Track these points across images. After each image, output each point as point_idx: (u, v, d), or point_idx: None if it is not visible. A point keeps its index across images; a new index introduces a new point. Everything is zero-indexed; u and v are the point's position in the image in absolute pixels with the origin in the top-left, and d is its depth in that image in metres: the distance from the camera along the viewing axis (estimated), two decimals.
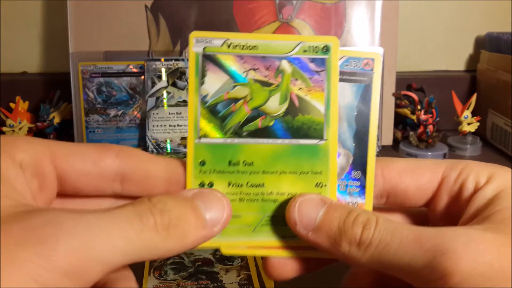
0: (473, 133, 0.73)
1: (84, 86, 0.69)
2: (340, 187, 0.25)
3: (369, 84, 0.25)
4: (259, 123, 0.24)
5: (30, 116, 0.72)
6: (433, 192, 0.26)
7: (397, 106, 0.75)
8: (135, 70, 0.69)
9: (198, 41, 0.24)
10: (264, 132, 0.24)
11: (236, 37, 0.24)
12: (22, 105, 0.71)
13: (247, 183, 0.24)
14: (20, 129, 0.69)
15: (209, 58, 0.24)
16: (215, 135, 0.24)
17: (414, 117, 0.73)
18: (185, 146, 0.68)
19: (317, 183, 0.25)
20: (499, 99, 0.73)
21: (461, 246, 0.20)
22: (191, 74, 0.24)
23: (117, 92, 0.69)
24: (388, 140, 0.74)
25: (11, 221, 0.17)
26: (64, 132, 0.72)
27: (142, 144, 0.70)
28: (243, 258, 0.40)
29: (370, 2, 0.72)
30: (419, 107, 0.72)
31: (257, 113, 0.24)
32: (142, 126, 0.69)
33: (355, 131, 0.25)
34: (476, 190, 0.24)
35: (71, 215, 0.18)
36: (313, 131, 0.24)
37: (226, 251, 0.25)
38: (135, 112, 0.69)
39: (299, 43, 0.24)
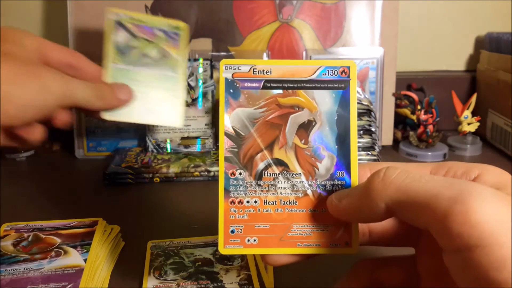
0: (473, 133, 0.73)
1: None
2: (326, 186, 0.28)
3: (347, 90, 0.28)
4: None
5: None
6: None
7: (397, 106, 0.75)
8: None
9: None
10: None
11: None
12: None
13: None
14: None
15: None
16: None
17: (414, 117, 0.73)
18: (185, 146, 0.68)
19: None
20: (499, 99, 0.73)
21: (489, 193, 0.20)
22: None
23: None
24: (388, 140, 0.74)
25: (35, 63, 0.40)
26: (64, 132, 0.72)
27: (142, 144, 0.70)
28: (243, 258, 0.40)
29: (370, 2, 0.72)
30: (419, 107, 0.72)
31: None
32: (142, 126, 0.69)
33: (337, 135, 0.28)
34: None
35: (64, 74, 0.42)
36: None
37: (223, 251, 0.28)
38: None
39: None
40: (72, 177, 0.64)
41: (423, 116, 0.71)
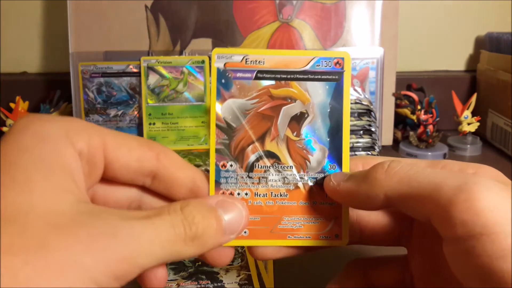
0: (473, 133, 0.73)
1: (84, 86, 0.69)
2: (317, 179, 0.28)
3: (340, 82, 0.28)
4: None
5: None
6: None
7: (397, 106, 0.75)
8: (135, 70, 0.69)
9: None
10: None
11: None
12: (22, 105, 0.71)
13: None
14: None
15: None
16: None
17: (414, 117, 0.73)
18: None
19: None
20: (499, 99, 0.73)
21: (493, 184, 0.20)
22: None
23: (117, 92, 0.69)
24: (388, 140, 0.74)
25: (76, 225, 0.19)
26: None
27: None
28: (243, 258, 0.40)
29: (370, 2, 0.72)
30: (419, 107, 0.72)
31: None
32: (142, 126, 0.69)
33: (329, 127, 0.28)
34: None
35: (124, 223, 0.21)
36: None
37: None
38: (135, 112, 0.69)
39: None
40: None
41: (423, 116, 0.71)
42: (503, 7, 0.84)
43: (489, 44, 0.80)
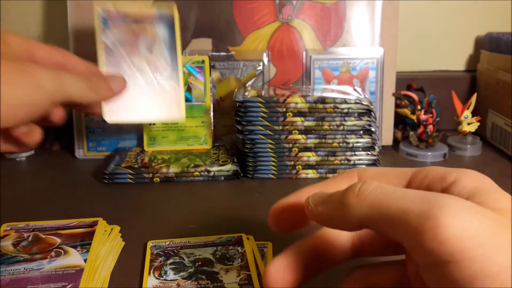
0: (473, 133, 0.73)
1: None
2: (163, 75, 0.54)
3: (173, 24, 0.53)
4: None
5: None
6: None
7: (397, 106, 0.75)
8: None
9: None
10: None
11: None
12: None
13: None
14: None
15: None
16: None
17: (414, 117, 0.73)
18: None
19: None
20: (499, 99, 0.73)
21: (460, 207, 0.20)
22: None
23: None
24: (388, 140, 0.74)
25: (24, 61, 0.38)
26: (64, 132, 0.72)
27: (142, 144, 0.70)
28: (243, 258, 0.40)
29: (370, 2, 0.72)
30: (419, 107, 0.72)
31: None
32: (142, 125, 0.69)
33: (169, 49, 0.53)
34: (444, 189, 0.25)
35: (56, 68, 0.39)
36: None
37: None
38: None
39: None
40: (72, 177, 0.64)
41: (423, 116, 0.71)
42: (503, 7, 0.84)
43: (489, 44, 0.80)
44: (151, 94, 0.51)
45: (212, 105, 0.68)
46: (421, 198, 0.21)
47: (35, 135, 0.40)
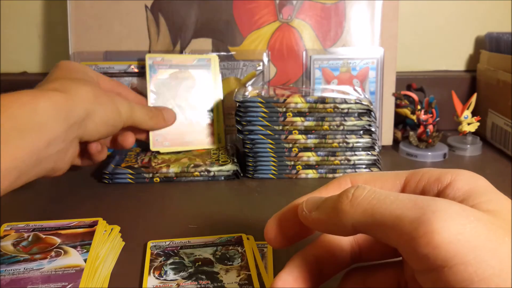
0: (473, 133, 0.73)
1: None
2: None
3: (209, 69, 0.66)
4: None
5: None
6: None
7: (397, 106, 0.75)
8: (136, 70, 0.69)
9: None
10: None
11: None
12: None
13: None
14: None
15: None
16: None
17: (414, 117, 0.73)
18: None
19: None
20: (499, 99, 0.73)
21: (453, 211, 0.20)
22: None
23: None
24: (388, 140, 0.74)
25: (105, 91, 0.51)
26: None
27: (142, 144, 0.70)
28: (243, 258, 0.40)
29: (370, 2, 0.72)
30: (419, 107, 0.72)
31: None
32: None
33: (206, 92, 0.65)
34: (440, 191, 0.25)
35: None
36: None
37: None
38: None
39: None
40: (72, 177, 0.64)
41: (423, 116, 0.71)
42: (503, 7, 0.84)
43: (489, 44, 0.80)
44: (188, 128, 0.63)
45: (222, 103, 0.67)
46: (413, 203, 0.21)
47: (103, 153, 0.53)
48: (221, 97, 0.66)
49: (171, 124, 0.60)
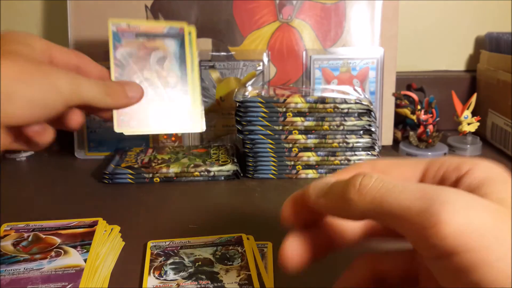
0: (473, 133, 0.73)
1: None
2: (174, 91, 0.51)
3: (183, 39, 0.52)
4: None
5: None
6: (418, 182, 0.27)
7: (397, 106, 0.75)
8: None
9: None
10: None
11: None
12: None
13: None
14: None
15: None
16: None
17: (414, 117, 0.73)
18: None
19: None
20: (499, 99, 0.73)
21: (460, 202, 0.21)
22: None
23: None
24: (388, 140, 0.74)
25: (41, 61, 0.39)
26: (64, 132, 0.72)
27: (143, 144, 0.70)
28: (243, 258, 0.40)
29: (370, 2, 0.72)
30: (419, 107, 0.72)
31: None
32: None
33: (179, 64, 0.52)
34: (458, 178, 0.25)
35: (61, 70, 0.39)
36: None
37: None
38: None
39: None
40: (72, 177, 0.64)
41: (423, 116, 0.71)
42: (503, 7, 0.84)
43: (489, 44, 0.80)
44: (161, 107, 0.51)
45: (199, 81, 0.54)
46: (422, 193, 0.21)
47: (47, 135, 0.41)
48: (198, 74, 0.53)
49: (136, 102, 0.47)
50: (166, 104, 0.51)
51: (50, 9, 0.80)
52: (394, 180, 0.23)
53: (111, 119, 0.49)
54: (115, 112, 0.48)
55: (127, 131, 0.50)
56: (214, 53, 0.71)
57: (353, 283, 0.29)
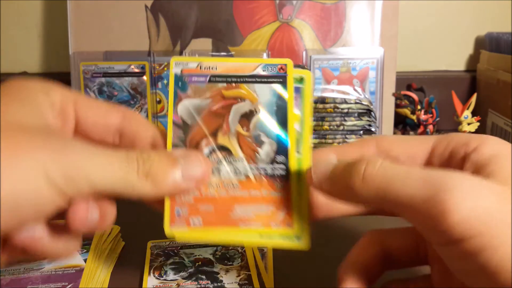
0: (473, 133, 0.73)
1: (86, 86, 0.69)
2: (267, 170, 0.30)
3: (284, 84, 0.31)
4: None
5: None
6: (425, 161, 0.27)
7: (397, 106, 0.75)
8: (136, 70, 0.69)
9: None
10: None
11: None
12: None
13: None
14: None
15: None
16: None
17: (414, 117, 0.73)
18: None
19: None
20: (499, 99, 0.73)
21: (465, 188, 0.21)
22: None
23: (118, 92, 0.69)
24: None
25: (36, 131, 0.24)
26: None
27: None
28: (243, 258, 0.40)
29: (370, 2, 0.72)
30: (419, 107, 0.72)
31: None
32: None
33: (276, 123, 0.31)
34: (466, 154, 0.25)
35: (80, 143, 0.24)
36: None
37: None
38: (137, 112, 0.69)
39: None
40: None
41: (423, 116, 0.71)
42: (503, 7, 0.83)
43: (489, 44, 0.80)
44: (243, 196, 0.30)
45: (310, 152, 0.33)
46: (425, 181, 0.22)
47: (42, 242, 0.25)
48: (310, 143, 0.31)
49: (197, 186, 0.29)
50: (251, 192, 0.30)
51: (50, 9, 0.80)
52: (398, 166, 0.23)
53: (158, 210, 0.31)
54: (166, 201, 0.30)
55: (183, 236, 0.31)
56: (214, 53, 0.71)
57: (361, 260, 0.29)
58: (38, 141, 0.23)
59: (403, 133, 0.76)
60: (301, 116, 0.31)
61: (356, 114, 0.60)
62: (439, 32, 0.85)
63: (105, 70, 0.68)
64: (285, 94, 0.31)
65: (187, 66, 0.31)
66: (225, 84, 0.31)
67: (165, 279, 0.38)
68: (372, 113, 0.60)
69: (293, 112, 0.30)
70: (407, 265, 0.30)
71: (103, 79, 0.69)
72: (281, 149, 0.30)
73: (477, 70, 0.82)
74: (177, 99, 0.31)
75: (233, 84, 0.31)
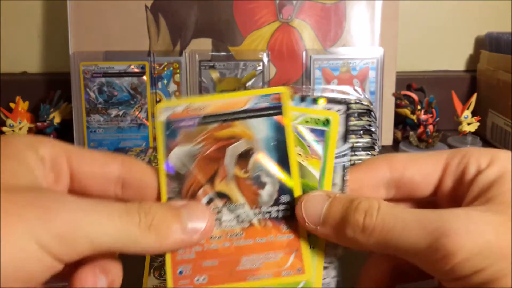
0: (473, 133, 0.73)
1: (85, 86, 0.69)
2: (271, 213, 0.27)
3: (280, 115, 0.28)
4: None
5: (30, 116, 0.72)
6: (438, 179, 0.27)
7: (397, 106, 0.75)
8: (136, 70, 0.69)
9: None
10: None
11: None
12: (22, 105, 0.71)
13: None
14: (20, 129, 0.69)
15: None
16: None
17: (414, 117, 0.73)
18: None
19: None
20: (499, 99, 0.73)
21: (462, 228, 0.21)
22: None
23: (118, 92, 0.69)
24: (388, 140, 0.74)
25: (24, 191, 0.22)
26: (64, 132, 0.72)
27: (144, 144, 0.70)
28: None
29: (370, 2, 0.72)
30: (419, 107, 0.72)
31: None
32: (143, 126, 0.69)
33: (277, 160, 0.27)
34: (478, 173, 0.25)
35: (74, 198, 0.22)
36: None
37: None
38: (136, 112, 0.69)
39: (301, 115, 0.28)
40: None
41: (423, 116, 0.71)
42: (503, 7, 0.84)
43: (489, 44, 0.80)
44: (249, 244, 0.27)
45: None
46: (424, 227, 0.22)
47: None
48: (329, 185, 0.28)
49: (200, 239, 0.26)
50: (256, 239, 0.27)
51: (50, 9, 0.80)
52: (396, 213, 0.23)
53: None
54: (168, 258, 0.27)
55: None
56: (214, 53, 0.71)
57: (373, 276, 0.29)
58: (26, 205, 0.21)
59: (403, 133, 0.75)
60: (322, 162, 0.28)
61: (356, 114, 0.60)
62: (439, 32, 0.85)
63: (105, 70, 0.68)
64: (282, 126, 0.27)
65: (174, 111, 0.28)
66: (216, 125, 0.28)
67: (165, 279, 0.38)
68: (372, 113, 0.60)
69: (293, 145, 0.27)
70: (418, 279, 0.30)
71: (103, 79, 0.69)
72: (285, 187, 0.27)
73: (477, 70, 0.82)
74: (166, 149, 0.28)
75: (225, 124, 0.28)
